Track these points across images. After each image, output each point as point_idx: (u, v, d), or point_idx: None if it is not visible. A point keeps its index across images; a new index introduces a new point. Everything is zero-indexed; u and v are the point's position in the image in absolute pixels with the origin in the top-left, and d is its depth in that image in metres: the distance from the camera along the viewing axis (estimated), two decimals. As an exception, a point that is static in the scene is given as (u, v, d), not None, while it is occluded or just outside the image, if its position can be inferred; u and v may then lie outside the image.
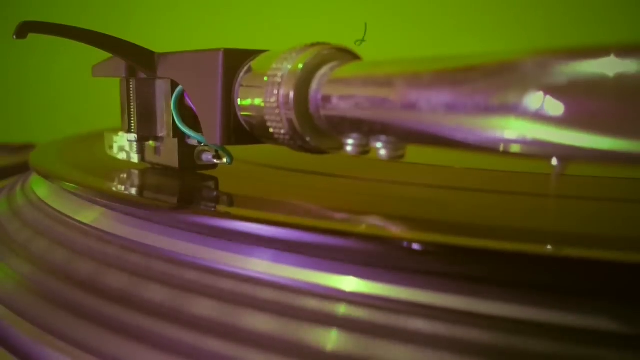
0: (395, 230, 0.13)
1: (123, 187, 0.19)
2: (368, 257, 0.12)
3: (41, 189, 0.23)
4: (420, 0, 0.46)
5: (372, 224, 0.14)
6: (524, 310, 0.11)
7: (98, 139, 0.30)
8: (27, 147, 0.43)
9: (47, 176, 0.22)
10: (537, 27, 0.41)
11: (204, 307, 0.13)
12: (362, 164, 0.23)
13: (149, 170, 0.21)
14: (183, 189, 0.19)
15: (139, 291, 0.15)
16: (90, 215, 0.18)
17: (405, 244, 0.12)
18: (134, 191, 0.19)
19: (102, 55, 0.21)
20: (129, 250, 0.16)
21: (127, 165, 0.22)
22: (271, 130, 0.16)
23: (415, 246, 0.11)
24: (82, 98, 0.61)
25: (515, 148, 0.10)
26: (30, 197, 0.22)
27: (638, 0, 0.37)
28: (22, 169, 0.30)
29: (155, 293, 0.14)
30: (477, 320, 0.11)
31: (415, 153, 0.14)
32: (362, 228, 0.13)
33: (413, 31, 0.46)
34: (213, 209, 0.16)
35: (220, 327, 0.13)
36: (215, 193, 0.18)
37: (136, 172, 0.21)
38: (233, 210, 0.16)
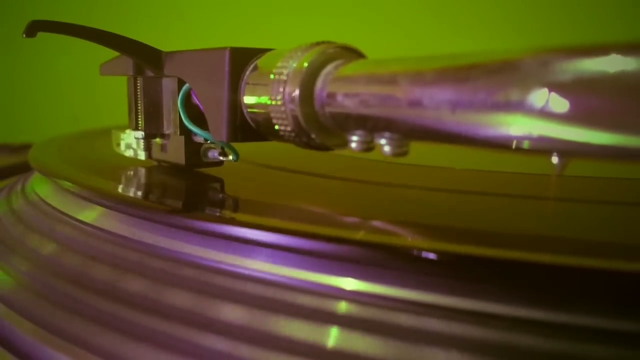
0: (397, 236, 0.13)
1: (127, 189, 0.19)
2: (368, 261, 0.13)
3: (42, 188, 0.22)
4: (420, 1, 0.46)
5: (372, 229, 0.14)
6: (522, 310, 0.11)
7: (97, 136, 0.30)
8: (27, 147, 0.43)
9: (49, 175, 0.21)
10: (532, 29, 0.42)
11: (204, 305, 0.13)
12: (361, 165, 0.23)
13: (154, 169, 0.21)
14: (187, 191, 0.19)
15: (140, 289, 0.15)
16: (91, 214, 0.18)
17: (407, 252, 0.12)
18: (139, 193, 0.19)
19: (103, 55, 0.21)
20: (129, 249, 0.16)
21: (133, 162, 0.22)
22: (277, 127, 0.16)
23: (416, 253, 0.12)
24: (82, 98, 0.61)
25: (519, 144, 0.10)
26: (31, 197, 0.22)
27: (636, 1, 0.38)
28: (22, 169, 0.29)
29: (156, 290, 0.14)
30: (475, 319, 0.11)
31: (414, 153, 0.14)
32: (360, 234, 0.13)
33: (414, 31, 0.46)
34: (216, 214, 0.16)
35: (222, 325, 0.13)
36: (219, 195, 0.18)
37: (142, 170, 0.21)
38: (235, 215, 0.16)
